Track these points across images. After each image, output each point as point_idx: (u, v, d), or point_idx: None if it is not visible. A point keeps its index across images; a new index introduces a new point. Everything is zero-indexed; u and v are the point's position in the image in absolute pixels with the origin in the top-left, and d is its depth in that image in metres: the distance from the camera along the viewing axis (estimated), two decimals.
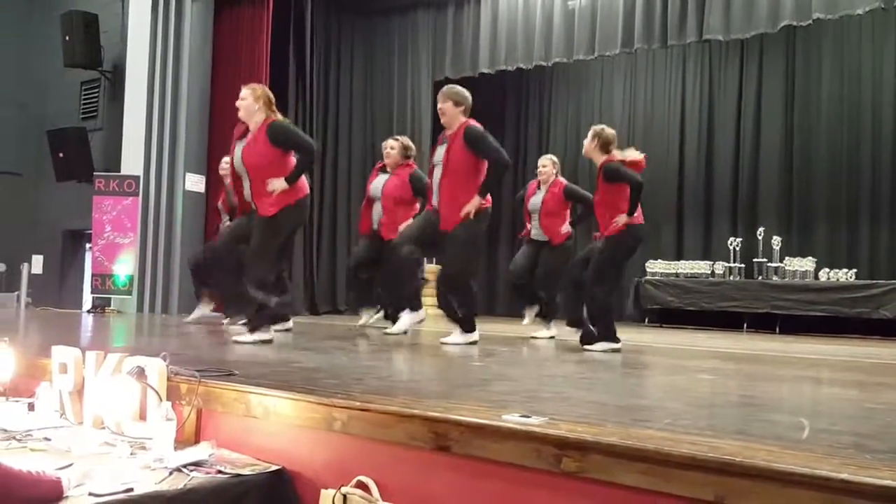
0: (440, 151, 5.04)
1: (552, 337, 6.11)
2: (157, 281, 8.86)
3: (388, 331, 5.56)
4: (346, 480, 2.15)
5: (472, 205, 4.82)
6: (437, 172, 5.01)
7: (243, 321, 4.84)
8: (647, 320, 9.64)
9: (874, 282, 8.56)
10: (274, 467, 2.33)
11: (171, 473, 2.19)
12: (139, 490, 2.04)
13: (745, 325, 8.98)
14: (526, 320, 6.59)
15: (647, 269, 9.92)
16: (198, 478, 2.18)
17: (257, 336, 4.47)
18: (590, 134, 5.01)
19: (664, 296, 9.52)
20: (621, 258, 4.95)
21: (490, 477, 1.92)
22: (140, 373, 2.65)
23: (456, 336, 5.02)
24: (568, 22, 9.25)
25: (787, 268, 9.15)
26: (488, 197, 4.93)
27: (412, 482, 2.07)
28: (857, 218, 9.61)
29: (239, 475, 2.24)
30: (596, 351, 4.83)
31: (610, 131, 5.00)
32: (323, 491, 2.18)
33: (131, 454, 2.39)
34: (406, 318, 5.39)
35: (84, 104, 10.66)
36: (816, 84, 10.00)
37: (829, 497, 1.45)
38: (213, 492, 2.15)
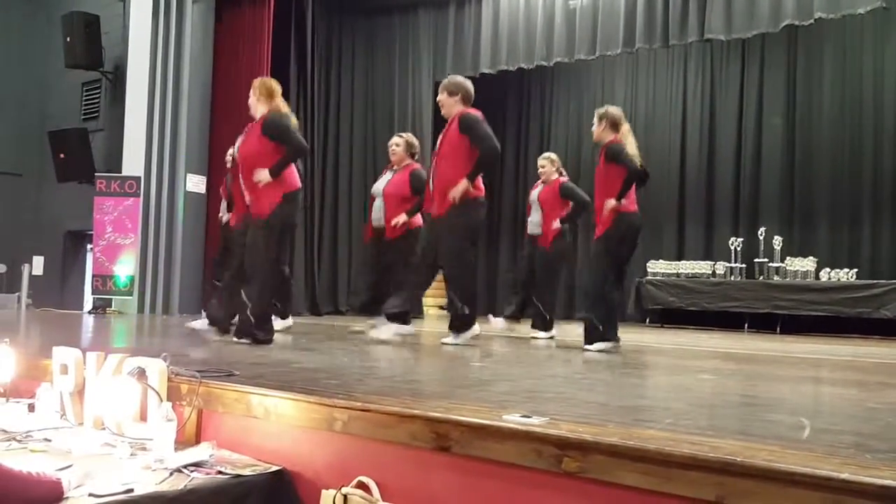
0: (439, 139, 5.14)
1: (552, 337, 6.11)
2: (157, 282, 8.87)
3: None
4: (346, 481, 2.15)
5: (458, 189, 4.81)
6: (434, 160, 5.10)
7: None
8: (648, 320, 9.64)
9: (875, 282, 8.55)
10: (274, 468, 2.33)
11: (171, 474, 2.19)
12: (139, 491, 2.04)
13: (746, 325, 8.98)
14: (499, 322, 6.58)
15: (649, 270, 9.92)
16: (198, 478, 2.18)
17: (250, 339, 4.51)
18: (595, 118, 5.00)
19: (665, 296, 9.51)
20: (615, 249, 4.87)
21: (491, 477, 1.92)
22: (140, 373, 2.65)
23: (454, 336, 5.01)
24: (569, 21, 9.25)
25: (788, 268, 9.14)
26: (482, 186, 4.94)
27: (413, 482, 2.07)
28: (858, 218, 9.60)
29: (239, 476, 2.24)
30: (594, 351, 4.81)
31: (615, 109, 5.00)
32: (324, 491, 2.18)
33: (132, 455, 2.39)
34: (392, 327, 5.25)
35: (85, 105, 10.68)
36: (818, 84, 9.99)
37: (831, 497, 1.45)
38: (213, 492, 2.15)
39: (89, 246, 9.87)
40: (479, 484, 1.95)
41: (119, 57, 9.92)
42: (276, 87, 4.76)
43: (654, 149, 10.08)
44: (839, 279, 8.74)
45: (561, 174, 6.41)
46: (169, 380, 2.68)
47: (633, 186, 4.85)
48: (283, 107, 4.73)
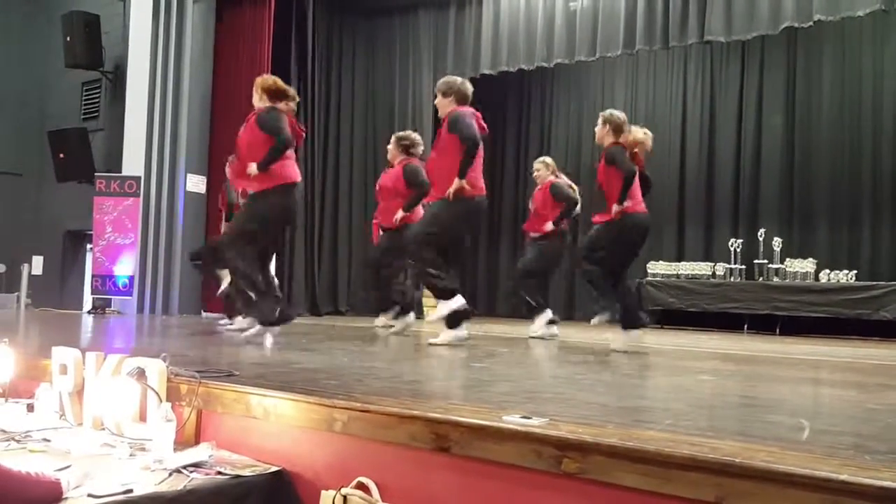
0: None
1: (553, 336, 6.10)
2: (157, 282, 8.87)
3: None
4: (346, 481, 2.15)
5: (454, 186, 4.84)
6: (428, 160, 5.25)
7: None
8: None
9: (875, 283, 8.56)
10: (274, 468, 2.33)
11: (170, 475, 2.18)
12: (138, 491, 2.03)
13: (745, 327, 8.98)
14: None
15: (648, 271, 9.92)
16: (197, 479, 2.17)
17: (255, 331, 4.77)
18: (600, 120, 5.13)
19: (665, 297, 9.52)
20: (610, 244, 4.99)
21: (490, 478, 1.92)
22: (140, 374, 2.65)
23: (443, 335, 4.93)
24: (569, 23, 9.26)
25: (787, 269, 9.15)
26: (482, 185, 4.96)
27: (412, 483, 2.07)
28: (857, 219, 9.61)
29: (239, 476, 2.24)
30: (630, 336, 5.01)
31: (619, 114, 5.11)
32: (323, 492, 2.18)
33: (131, 455, 2.38)
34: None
35: (85, 105, 10.68)
36: (817, 86, 10.00)
37: (830, 498, 1.44)
38: (212, 493, 2.15)
39: (89, 246, 9.87)
40: (479, 485, 1.95)
41: (119, 57, 9.93)
42: (277, 84, 4.89)
43: (654, 150, 10.05)
44: (839, 280, 8.75)
45: (556, 175, 6.42)
46: (168, 380, 2.67)
47: (638, 187, 4.98)
48: (283, 106, 4.85)
